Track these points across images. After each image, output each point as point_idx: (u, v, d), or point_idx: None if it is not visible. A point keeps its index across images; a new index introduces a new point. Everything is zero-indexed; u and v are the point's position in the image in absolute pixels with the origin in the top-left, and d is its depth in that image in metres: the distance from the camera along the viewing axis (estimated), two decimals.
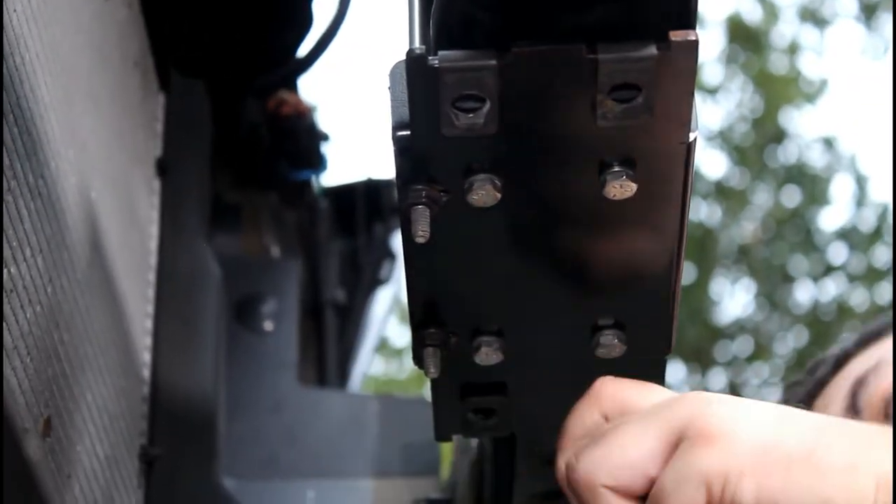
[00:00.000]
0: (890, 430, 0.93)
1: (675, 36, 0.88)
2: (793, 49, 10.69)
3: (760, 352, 10.53)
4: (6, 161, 1.06)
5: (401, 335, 10.01)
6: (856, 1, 10.63)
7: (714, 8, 10.64)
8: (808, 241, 10.53)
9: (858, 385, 1.46)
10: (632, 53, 0.88)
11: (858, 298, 10.49)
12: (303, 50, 1.97)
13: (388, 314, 2.78)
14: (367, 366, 2.77)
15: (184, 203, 1.71)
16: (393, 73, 0.95)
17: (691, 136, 0.95)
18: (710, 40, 10.29)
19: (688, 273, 9.80)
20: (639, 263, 1.04)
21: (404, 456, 1.92)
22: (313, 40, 1.95)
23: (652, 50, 0.88)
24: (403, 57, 0.90)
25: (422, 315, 1.07)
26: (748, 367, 10.63)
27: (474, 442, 1.60)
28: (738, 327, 10.57)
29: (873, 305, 10.12)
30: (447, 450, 1.86)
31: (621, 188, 0.94)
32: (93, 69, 1.38)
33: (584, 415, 1.04)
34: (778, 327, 10.60)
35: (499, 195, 0.95)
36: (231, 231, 2.08)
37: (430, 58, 0.89)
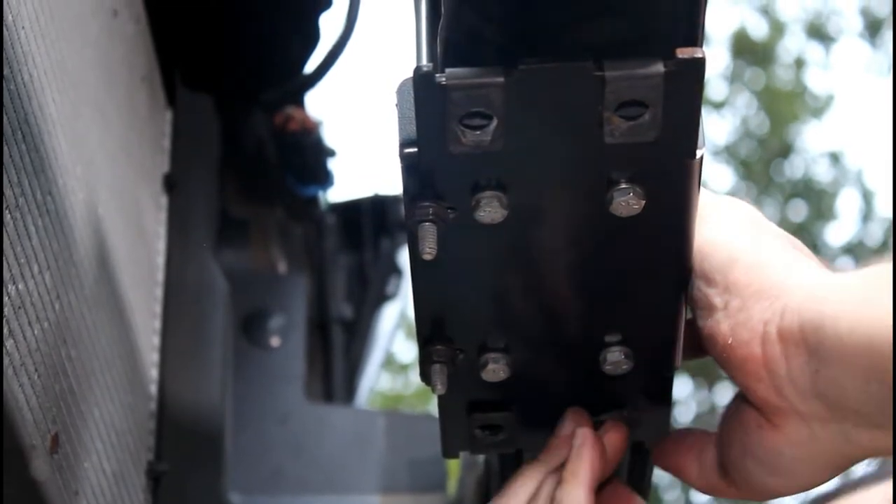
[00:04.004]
0: None
1: (682, 53, 0.88)
2: (798, 64, 10.70)
3: None
4: (14, 178, 1.07)
5: (407, 351, 10.01)
6: (860, 18, 10.64)
7: (720, 23, 10.65)
8: (815, 256, 10.50)
9: None
10: (639, 71, 0.88)
11: None
12: (310, 65, 1.97)
13: (394, 330, 2.77)
14: (374, 381, 2.76)
15: (191, 218, 1.71)
16: (400, 90, 0.95)
17: (698, 153, 0.95)
18: (716, 56, 10.30)
19: None
20: (646, 280, 1.04)
21: (411, 472, 1.92)
22: (320, 56, 1.95)
23: (659, 67, 0.88)
24: (411, 74, 0.90)
25: (429, 331, 1.07)
26: None
27: (481, 458, 1.60)
28: None
29: None
30: (454, 466, 1.86)
31: (628, 205, 0.94)
32: (100, 85, 1.38)
33: None
34: None
35: (505, 212, 0.95)
36: (238, 246, 2.08)
37: (437, 75, 0.89)
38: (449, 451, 1.18)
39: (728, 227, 1.04)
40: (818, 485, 1.04)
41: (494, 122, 0.90)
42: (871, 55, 10.92)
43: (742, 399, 1.04)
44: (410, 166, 0.94)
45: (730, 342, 1.00)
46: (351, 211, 2.48)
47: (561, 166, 0.94)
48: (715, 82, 10.47)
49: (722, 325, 1.00)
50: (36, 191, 1.12)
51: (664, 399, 1.12)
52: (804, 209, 10.61)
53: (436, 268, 0.99)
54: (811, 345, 0.95)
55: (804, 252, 1.05)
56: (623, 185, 0.94)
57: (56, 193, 1.18)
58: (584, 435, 1.10)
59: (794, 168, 10.66)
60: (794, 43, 10.75)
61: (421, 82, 0.89)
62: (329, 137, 2.23)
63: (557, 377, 1.11)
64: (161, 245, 1.65)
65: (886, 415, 0.94)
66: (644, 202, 0.95)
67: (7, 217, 1.04)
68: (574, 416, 1.12)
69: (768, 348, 0.98)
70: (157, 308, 1.62)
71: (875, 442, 0.97)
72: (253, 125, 2.12)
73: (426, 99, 0.90)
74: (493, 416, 1.13)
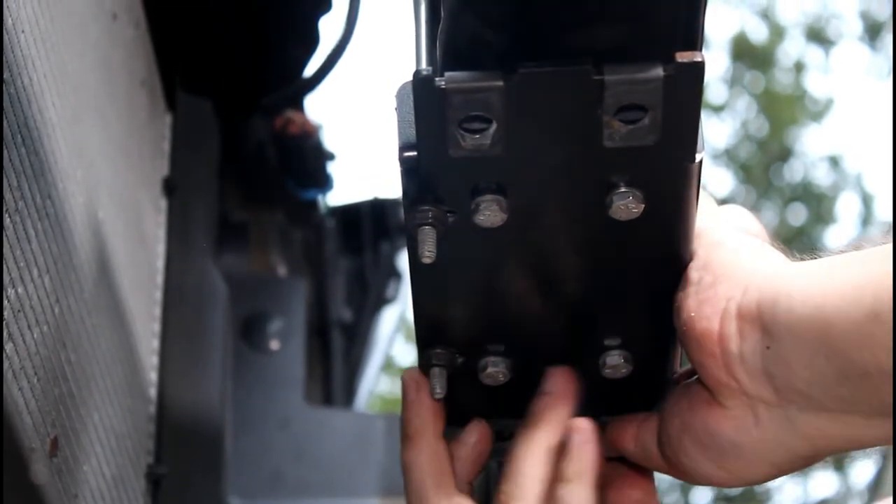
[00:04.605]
0: None
1: (682, 57, 0.88)
2: (798, 68, 10.70)
3: None
4: (14, 181, 1.07)
5: (407, 354, 10.01)
6: (860, 21, 10.64)
7: (719, 27, 10.64)
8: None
9: None
10: (638, 75, 0.88)
11: None
12: (309, 69, 1.97)
13: (394, 333, 2.78)
14: (374, 384, 2.77)
15: (191, 222, 1.71)
16: (400, 94, 0.95)
17: (697, 157, 0.95)
18: (716, 59, 10.30)
19: None
20: (645, 283, 1.04)
21: None
22: (320, 59, 1.95)
23: (658, 71, 0.88)
24: (410, 77, 0.90)
25: (428, 335, 1.07)
26: None
27: None
28: None
29: None
30: None
31: (627, 209, 0.94)
32: (100, 89, 1.39)
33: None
34: None
35: (505, 216, 0.95)
36: (238, 250, 2.08)
37: (436, 79, 0.89)
38: None
39: (721, 220, 1.06)
40: (751, 481, 1.05)
41: (494, 126, 0.90)
42: (871, 58, 10.93)
43: (693, 377, 1.04)
44: (410, 170, 0.94)
45: (692, 315, 1.01)
46: (351, 214, 2.49)
47: (560, 170, 0.94)
48: (715, 86, 10.48)
49: (690, 298, 1.01)
50: (36, 194, 1.12)
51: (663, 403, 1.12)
52: (804, 213, 10.61)
53: (435, 271, 0.99)
54: (766, 320, 0.96)
55: (781, 252, 1.06)
56: (622, 189, 0.94)
57: (56, 197, 1.18)
58: (584, 431, 1.09)
59: (793, 172, 10.67)
60: (793, 46, 10.75)
61: (420, 86, 0.89)
62: (329, 141, 2.24)
63: None
64: (161, 249, 1.65)
65: (830, 395, 0.95)
66: (643, 206, 0.95)
67: (7, 221, 1.04)
68: (560, 376, 1.10)
69: (726, 325, 0.99)
70: (157, 311, 1.62)
71: (821, 429, 0.98)
72: (253, 129, 2.12)
73: (426, 102, 0.90)
74: (494, 421, 1.13)
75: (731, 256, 1.02)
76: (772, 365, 0.97)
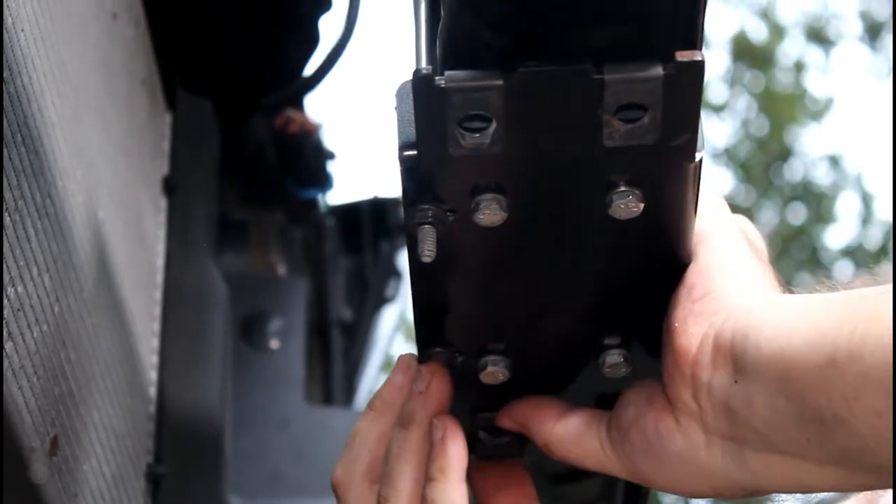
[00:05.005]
0: None
1: (682, 56, 0.88)
2: (798, 68, 10.71)
3: None
4: (14, 181, 1.07)
5: None
6: (860, 21, 10.65)
7: (720, 26, 10.65)
8: (814, 259, 10.52)
9: None
10: (638, 74, 0.88)
11: None
12: (309, 68, 1.97)
13: (394, 332, 2.78)
14: (374, 384, 2.77)
15: (191, 221, 1.71)
16: (399, 93, 0.95)
17: (697, 156, 0.95)
18: (716, 59, 10.31)
19: None
20: (645, 282, 1.04)
21: None
22: (320, 58, 1.95)
23: (658, 70, 0.88)
24: (410, 76, 0.90)
25: (428, 334, 1.07)
26: None
27: None
28: None
29: None
30: None
31: (627, 208, 0.94)
32: (100, 88, 1.39)
33: None
34: None
35: (505, 215, 0.95)
36: (238, 249, 2.08)
37: (436, 78, 0.89)
38: None
39: (724, 227, 1.06)
40: (687, 492, 1.04)
41: (494, 125, 0.90)
42: (871, 58, 10.93)
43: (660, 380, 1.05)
44: (410, 169, 0.94)
45: (677, 325, 1.01)
46: (350, 214, 2.49)
47: (560, 169, 0.94)
48: (715, 85, 10.48)
49: (680, 305, 1.02)
50: (35, 194, 1.12)
51: None
52: (803, 212, 10.62)
53: (435, 270, 0.99)
54: (736, 354, 0.97)
55: (773, 278, 1.06)
56: (622, 188, 0.94)
57: (56, 196, 1.18)
58: (441, 427, 1.09)
59: (793, 171, 10.67)
60: (793, 46, 10.76)
61: (420, 85, 0.89)
62: (328, 140, 2.24)
63: (557, 380, 1.11)
64: (161, 248, 1.65)
65: (787, 438, 0.95)
66: (643, 205, 0.94)
67: (7, 220, 1.04)
68: (429, 373, 1.09)
69: (702, 351, 0.99)
70: (157, 311, 1.62)
71: (769, 469, 0.98)
72: (253, 128, 2.12)
73: (425, 101, 0.90)
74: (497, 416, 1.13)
75: (729, 276, 1.02)
76: (735, 400, 0.97)
